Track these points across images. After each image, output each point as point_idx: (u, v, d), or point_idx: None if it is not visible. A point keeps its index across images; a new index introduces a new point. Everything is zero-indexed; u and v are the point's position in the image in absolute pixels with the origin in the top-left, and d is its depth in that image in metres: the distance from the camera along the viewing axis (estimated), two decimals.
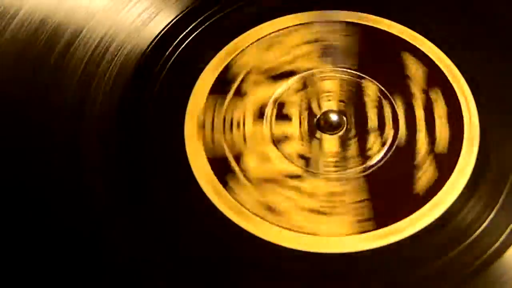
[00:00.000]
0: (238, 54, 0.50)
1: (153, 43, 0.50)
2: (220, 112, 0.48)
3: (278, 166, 0.46)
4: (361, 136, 0.47)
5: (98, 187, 0.45)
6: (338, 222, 0.44)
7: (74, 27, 0.50)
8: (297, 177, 0.46)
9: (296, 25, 0.51)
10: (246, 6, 0.52)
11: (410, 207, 0.45)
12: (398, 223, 0.44)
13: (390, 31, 0.51)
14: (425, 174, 0.46)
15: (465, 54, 0.50)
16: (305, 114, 0.48)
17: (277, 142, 0.47)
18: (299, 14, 0.52)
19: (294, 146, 0.47)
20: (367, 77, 0.49)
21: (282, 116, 0.48)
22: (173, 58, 0.49)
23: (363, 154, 0.47)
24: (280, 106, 0.48)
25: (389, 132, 0.47)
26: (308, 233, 0.44)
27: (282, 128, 0.48)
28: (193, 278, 0.43)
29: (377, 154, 0.47)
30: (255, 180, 0.46)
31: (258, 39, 0.51)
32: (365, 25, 0.51)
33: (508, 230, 0.44)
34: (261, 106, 0.48)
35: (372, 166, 0.46)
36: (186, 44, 0.50)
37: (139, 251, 0.43)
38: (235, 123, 0.48)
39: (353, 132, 0.48)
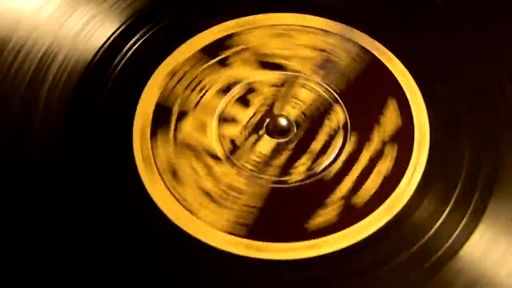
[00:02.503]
0: (250, 28, 0.52)
1: (98, 54, 0.51)
2: (196, 69, 0.50)
3: (207, 139, 0.48)
4: (296, 152, 0.48)
5: (44, 199, 0.46)
6: (219, 214, 0.46)
7: (17, 40, 0.50)
8: (215, 157, 0.48)
9: (317, 28, 0.52)
10: None
11: (293, 235, 0.45)
12: (269, 243, 0.45)
13: (394, 73, 0.50)
14: (325, 215, 0.46)
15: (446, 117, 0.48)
16: (264, 109, 0.49)
17: (222, 119, 0.49)
18: (326, 20, 0.52)
19: (234, 131, 0.48)
20: (342, 103, 0.49)
21: (244, 100, 0.50)
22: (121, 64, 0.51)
23: (286, 169, 0.47)
24: (248, 91, 0.50)
25: (324, 161, 0.47)
26: (192, 212, 0.46)
27: (235, 110, 0.49)
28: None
29: (297, 175, 0.47)
30: (180, 141, 0.48)
31: (274, 25, 0.52)
32: (376, 57, 0.50)
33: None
34: (233, 82, 0.50)
35: (285, 182, 0.47)
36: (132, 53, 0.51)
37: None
38: (200, 87, 0.50)
39: (292, 145, 0.48)
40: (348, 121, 0.48)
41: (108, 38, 0.51)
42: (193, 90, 0.49)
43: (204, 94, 0.49)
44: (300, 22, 0.51)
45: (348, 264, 0.44)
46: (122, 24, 0.51)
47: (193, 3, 0.53)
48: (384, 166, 0.46)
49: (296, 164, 0.47)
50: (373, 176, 0.46)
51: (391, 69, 0.50)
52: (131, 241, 0.44)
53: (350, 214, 0.45)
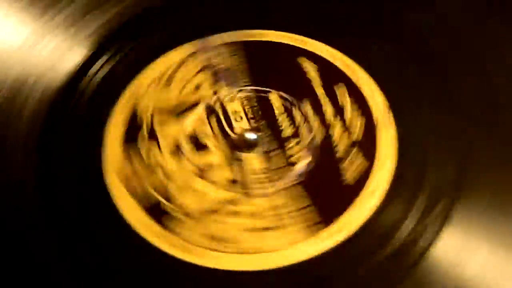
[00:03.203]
0: (138, 99, 0.49)
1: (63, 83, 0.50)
2: (138, 158, 0.47)
3: (212, 196, 0.45)
4: (281, 146, 0.47)
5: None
6: (289, 232, 0.44)
7: None
8: (232, 202, 0.45)
9: (183, 58, 0.51)
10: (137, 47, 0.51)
11: (350, 197, 0.45)
12: (344, 215, 0.44)
13: (277, 40, 0.52)
14: (350, 163, 0.46)
15: (351, 43, 0.51)
16: (221, 138, 0.48)
17: (202, 173, 0.46)
18: (181, 47, 0.51)
19: (220, 173, 0.46)
20: (268, 88, 0.49)
21: (199, 146, 0.47)
22: (83, 97, 0.50)
23: (289, 162, 0.47)
24: (194, 138, 0.48)
25: (305, 134, 0.48)
26: (262, 252, 0.43)
27: (203, 159, 0.47)
28: None
29: (301, 159, 0.47)
30: (195, 215, 0.44)
31: (153, 80, 0.50)
32: (248, 41, 0.52)
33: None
34: (176, 144, 0.47)
35: (301, 170, 0.46)
36: (95, 84, 0.50)
37: None
38: (154, 165, 0.46)
39: (272, 145, 0.47)
40: (286, 96, 0.49)
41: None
42: (153, 173, 0.46)
43: (166, 166, 0.46)
44: (168, 63, 0.50)
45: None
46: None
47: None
48: (346, 102, 0.49)
49: (290, 152, 0.47)
50: (348, 115, 0.48)
51: (269, 40, 0.51)
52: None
53: (364, 149, 0.47)
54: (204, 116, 0.49)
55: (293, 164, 0.47)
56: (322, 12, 0.53)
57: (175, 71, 0.50)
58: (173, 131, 0.48)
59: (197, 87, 0.50)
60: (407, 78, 0.50)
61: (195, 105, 0.49)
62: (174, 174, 0.46)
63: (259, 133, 0.48)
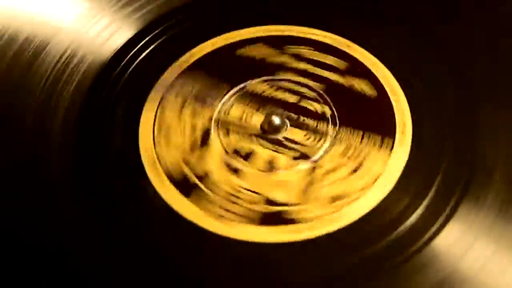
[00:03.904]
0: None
1: (112, 57, 0.55)
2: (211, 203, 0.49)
3: (296, 177, 0.49)
4: (301, 111, 0.52)
5: (60, 199, 0.48)
6: (375, 159, 0.49)
7: (41, 40, 0.55)
8: (314, 169, 0.49)
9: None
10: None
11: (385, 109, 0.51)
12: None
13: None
14: (360, 85, 0.52)
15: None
16: (255, 140, 0.51)
17: (270, 169, 0.49)
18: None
19: (284, 159, 0.50)
20: (244, 83, 0.54)
21: (246, 156, 0.50)
22: (129, 70, 0.54)
23: (319, 116, 0.52)
24: (237, 152, 0.50)
25: (309, 92, 0.53)
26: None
27: (258, 161, 0.50)
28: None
29: (324, 107, 0.52)
30: (299, 198, 0.48)
31: None
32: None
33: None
34: (226, 165, 0.50)
35: (333, 115, 0.52)
36: (143, 57, 0.55)
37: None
38: (232, 194, 0.49)
39: (294, 116, 0.52)
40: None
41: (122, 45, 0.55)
42: None
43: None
44: None
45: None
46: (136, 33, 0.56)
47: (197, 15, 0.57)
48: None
49: (314, 109, 0.52)
50: None
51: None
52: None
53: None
54: (223, 134, 0.52)
55: (322, 115, 0.51)
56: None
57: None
58: (213, 162, 0.50)
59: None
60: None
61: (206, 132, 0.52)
62: (253, 186, 0.49)
63: (276, 114, 0.51)
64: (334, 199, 0.46)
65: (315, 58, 0.54)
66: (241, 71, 0.53)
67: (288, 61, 0.54)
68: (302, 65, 0.53)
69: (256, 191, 0.48)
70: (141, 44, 0.55)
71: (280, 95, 0.52)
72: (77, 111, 0.52)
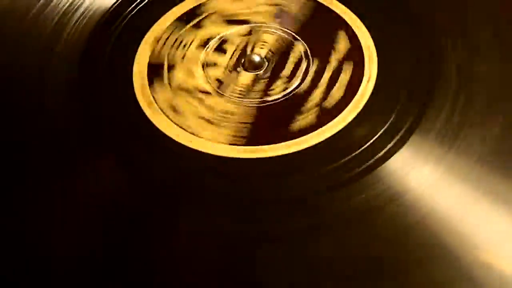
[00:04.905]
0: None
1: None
2: (176, 34, 0.61)
3: (196, 81, 0.58)
4: (272, 78, 0.58)
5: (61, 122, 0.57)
6: (219, 133, 0.56)
7: None
8: (206, 92, 0.58)
9: None
10: None
11: (280, 137, 0.55)
12: (262, 146, 0.55)
13: (336, 11, 0.62)
14: (304, 119, 0.56)
15: (385, 37, 0.60)
16: (238, 52, 0.60)
17: (205, 65, 0.59)
18: None
19: (217, 72, 0.59)
20: (300, 39, 0.60)
21: (220, 49, 0.60)
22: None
23: (266, 91, 0.58)
24: (223, 41, 0.61)
25: (295, 81, 0.58)
26: (195, 134, 0.56)
27: (215, 57, 0.60)
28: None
29: (276, 94, 0.57)
30: (174, 86, 0.58)
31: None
32: (320, 2, 0.62)
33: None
34: (208, 38, 0.61)
35: (267, 101, 0.57)
36: None
37: None
38: (182, 44, 0.60)
39: (267, 74, 0.59)
40: (309, 51, 0.59)
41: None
42: (177, 48, 0.60)
43: (187, 50, 0.59)
44: None
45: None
46: None
47: None
48: (345, 78, 0.57)
49: (273, 87, 0.57)
50: (337, 86, 0.57)
51: (334, 10, 0.61)
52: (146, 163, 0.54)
53: (324, 116, 0.55)
54: (243, 32, 0.61)
55: (266, 94, 0.58)
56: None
57: None
58: (214, 30, 0.61)
59: (256, 13, 0.62)
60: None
61: (244, 22, 0.62)
62: (188, 55, 0.60)
63: (266, 62, 0.59)
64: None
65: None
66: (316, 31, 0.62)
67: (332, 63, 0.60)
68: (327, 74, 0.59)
69: (185, 57, 0.60)
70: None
71: (289, 62, 0.60)
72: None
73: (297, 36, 0.60)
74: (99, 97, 0.57)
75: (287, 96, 0.57)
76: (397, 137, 0.54)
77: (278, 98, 0.57)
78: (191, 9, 0.62)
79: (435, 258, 0.47)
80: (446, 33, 0.59)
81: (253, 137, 0.55)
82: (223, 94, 0.57)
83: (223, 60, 0.59)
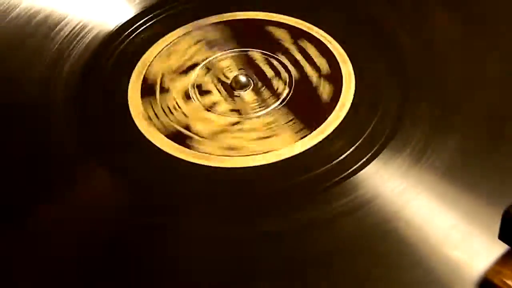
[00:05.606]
0: (148, 67, 0.63)
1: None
2: (157, 105, 0.60)
3: (219, 122, 0.59)
4: (267, 84, 0.61)
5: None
6: (282, 138, 0.57)
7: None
8: (237, 123, 0.58)
9: (179, 36, 0.65)
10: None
11: (325, 112, 0.59)
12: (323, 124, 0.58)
13: (250, 17, 0.66)
14: (324, 90, 0.60)
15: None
16: (219, 85, 0.61)
17: (209, 108, 0.59)
18: (179, 29, 0.66)
19: (223, 106, 0.60)
20: (249, 49, 0.64)
21: (204, 92, 0.61)
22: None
23: (275, 93, 0.60)
24: (198, 87, 0.61)
25: (284, 75, 0.62)
26: (265, 152, 0.56)
27: (209, 99, 0.60)
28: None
29: (284, 90, 0.60)
30: (208, 136, 0.57)
31: (158, 53, 0.64)
32: (231, 19, 0.66)
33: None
34: (184, 91, 0.61)
35: (285, 98, 0.60)
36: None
37: None
38: (172, 108, 0.60)
39: (260, 83, 0.61)
40: (264, 51, 0.63)
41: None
42: (171, 113, 0.59)
43: (180, 109, 0.60)
44: (169, 40, 0.65)
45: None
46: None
47: None
48: (311, 49, 0.63)
49: (275, 87, 0.61)
50: (313, 56, 0.62)
51: (245, 18, 0.66)
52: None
53: (332, 79, 0.60)
54: (203, 72, 0.62)
55: (278, 94, 0.60)
56: None
57: (176, 44, 0.65)
58: (181, 84, 0.62)
59: (194, 54, 0.64)
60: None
61: (195, 65, 0.63)
62: (187, 111, 0.59)
63: (249, 78, 0.61)
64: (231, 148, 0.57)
65: (310, 53, 0.63)
66: (252, 40, 0.65)
67: (291, 49, 0.64)
68: (298, 56, 0.63)
69: (186, 114, 0.60)
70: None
71: (264, 67, 0.62)
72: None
73: (243, 49, 0.63)
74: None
75: (293, 86, 0.61)
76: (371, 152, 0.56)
77: (289, 91, 0.60)
78: (143, 85, 0.61)
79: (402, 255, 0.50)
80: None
81: (309, 123, 0.57)
82: (250, 116, 0.58)
83: (217, 97, 0.60)
